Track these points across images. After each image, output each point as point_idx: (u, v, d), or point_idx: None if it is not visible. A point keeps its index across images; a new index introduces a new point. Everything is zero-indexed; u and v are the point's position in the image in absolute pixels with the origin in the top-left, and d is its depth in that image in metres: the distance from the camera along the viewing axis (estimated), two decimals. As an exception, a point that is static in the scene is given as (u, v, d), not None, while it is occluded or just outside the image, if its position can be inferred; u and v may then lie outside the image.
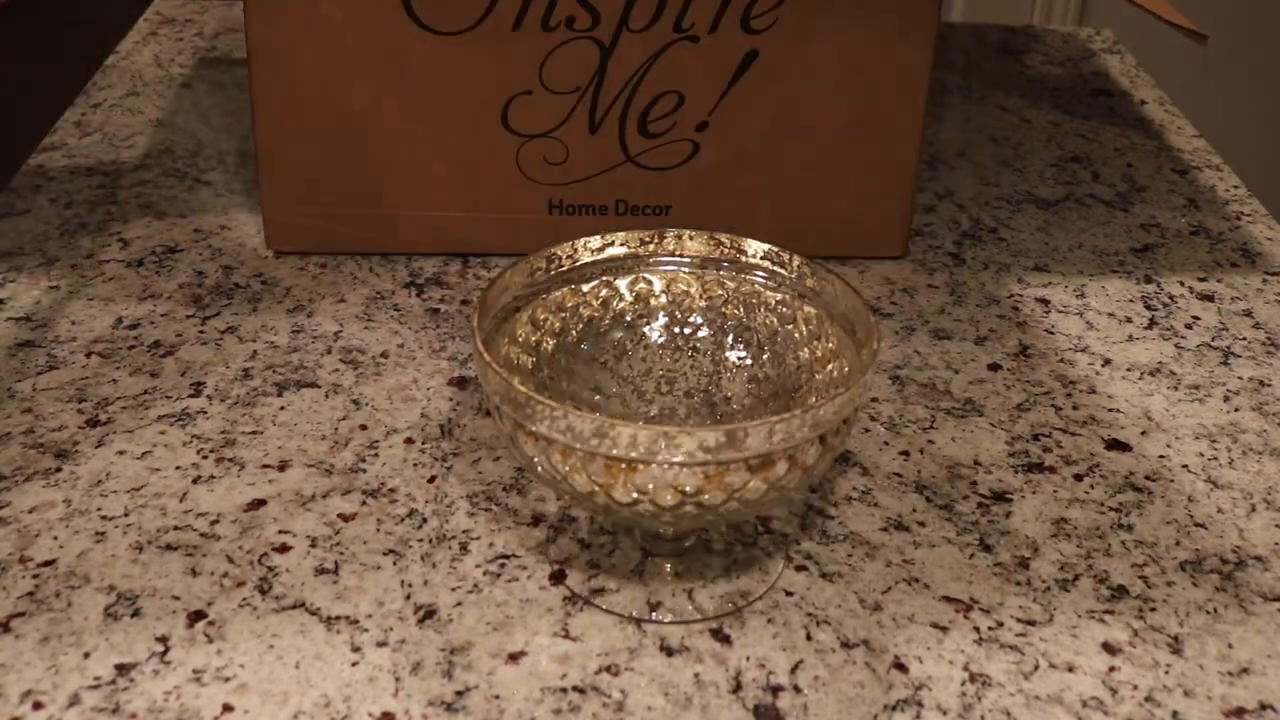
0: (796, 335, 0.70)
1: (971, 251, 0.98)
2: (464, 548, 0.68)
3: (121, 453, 0.74)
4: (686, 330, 0.73)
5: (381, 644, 0.62)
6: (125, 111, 1.13)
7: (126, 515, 0.69)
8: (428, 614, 0.64)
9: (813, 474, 0.62)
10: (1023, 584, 0.68)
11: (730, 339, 0.72)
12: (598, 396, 0.71)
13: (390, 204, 0.92)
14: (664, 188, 0.92)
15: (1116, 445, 0.78)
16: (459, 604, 0.65)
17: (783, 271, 0.71)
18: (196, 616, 0.63)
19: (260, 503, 0.70)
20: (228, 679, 0.59)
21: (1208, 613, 0.67)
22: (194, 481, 0.72)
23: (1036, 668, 0.63)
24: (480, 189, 0.91)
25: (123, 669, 0.60)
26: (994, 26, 1.39)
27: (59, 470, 0.72)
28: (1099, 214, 1.04)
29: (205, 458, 0.74)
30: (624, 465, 0.59)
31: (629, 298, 0.72)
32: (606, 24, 0.86)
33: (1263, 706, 0.62)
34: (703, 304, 0.72)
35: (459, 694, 0.60)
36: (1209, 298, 0.93)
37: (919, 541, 0.70)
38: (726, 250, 0.72)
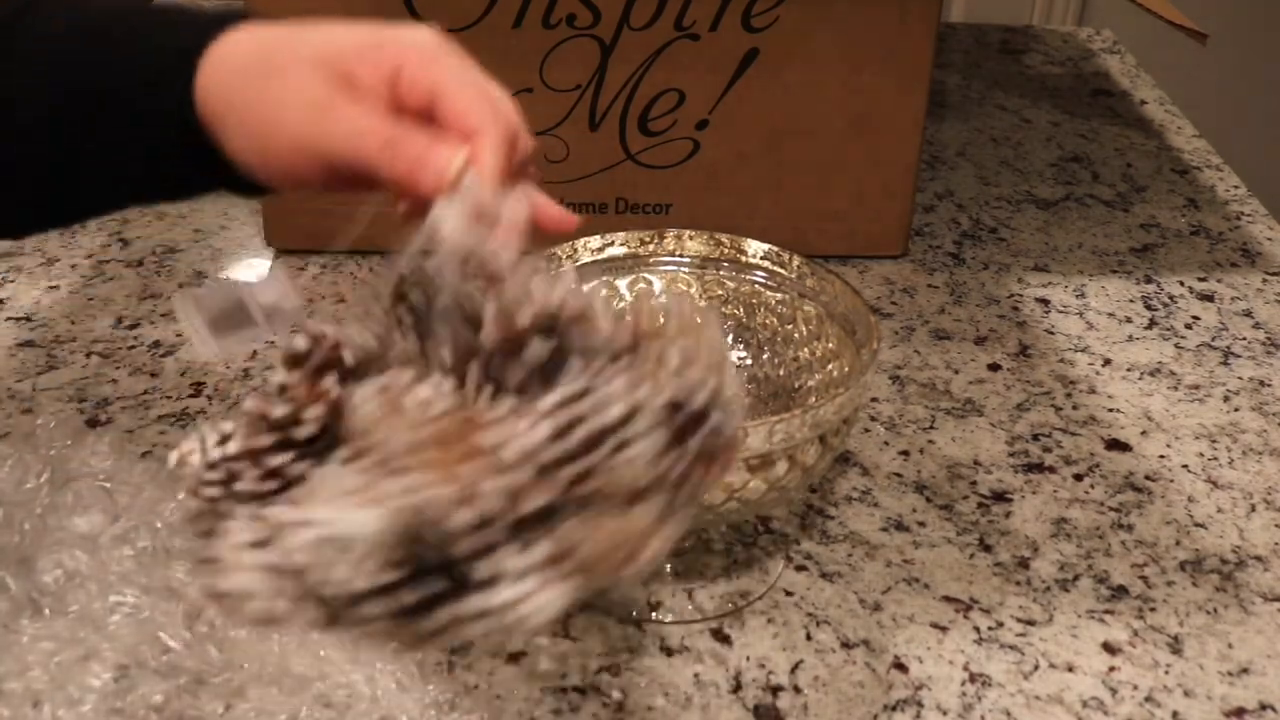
0: (796, 335, 0.70)
1: (971, 251, 0.98)
2: (464, 547, 0.68)
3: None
4: (686, 330, 0.72)
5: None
6: (125, 110, 1.13)
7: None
8: (427, 614, 0.64)
9: (813, 474, 0.62)
10: (1023, 584, 0.68)
11: (730, 339, 0.72)
12: (598, 396, 0.70)
13: (390, 201, 0.92)
14: (664, 186, 0.92)
15: (1116, 445, 0.78)
16: (459, 604, 0.65)
17: (783, 271, 0.71)
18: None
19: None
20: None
21: (1208, 613, 0.67)
22: (193, 481, 0.72)
23: (1036, 668, 0.63)
24: (480, 188, 0.91)
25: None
26: (994, 26, 1.39)
27: (58, 469, 0.72)
28: (1099, 214, 1.04)
29: (205, 457, 0.74)
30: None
31: (629, 298, 0.72)
32: (607, 22, 0.86)
33: (1263, 706, 0.62)
34: (703, 304, 0.72)
35: (459, 694, 0.60)
36: (1209, 298, 0.93)
37: (919, 541, 0.70)
38: (726, 250, 0.72)
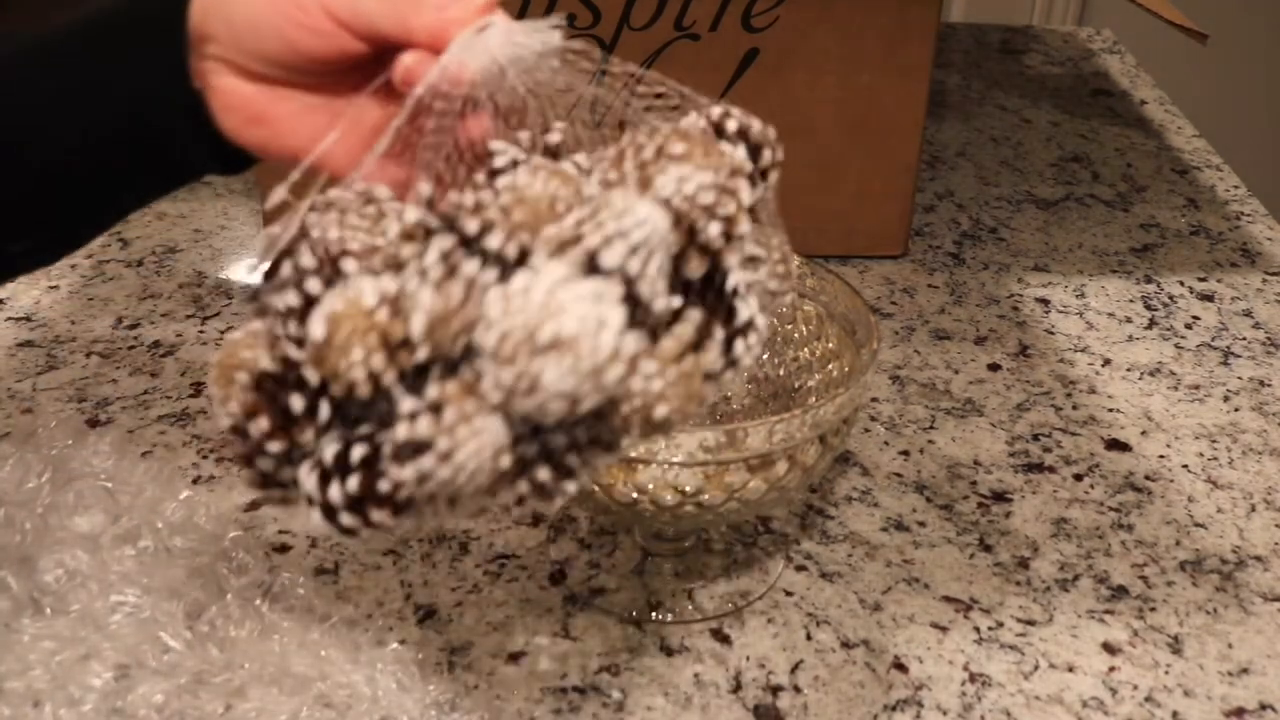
0: (796, 335, 0.70)
1: (971, 251, 0.98)
2: (464, 548, 0.68)
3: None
4: (687, 330, 0.72)
5: (381, 644, 0.62)
6: (125, 110, 1.13)
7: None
8: (428, 614, 0.64)
9: (813, 474, 0.62)
10: (1023, 584, 0.68)
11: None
12: (598, 396, 0.71)
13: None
14: (664, 187, 0.92)
15: (1116, 445, 0.78)
16: (459, 604, 0.65)
17: (783, 271, 0.71)
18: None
19: (256, 504, 0.70)
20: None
21: (1208, 613, 0.67)
22: (194, 482, 0.72)
23: (1036, 668, 0.63)
24: (480, 188, 0.91)
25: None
26: (994, 26, 1.39)
27: (59, 470, 0.72)
28: (1099, 214, 1.04)
29: (205, 458, 0.74)
30: (624, 465, 0.59)
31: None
32: (608, 22, 0.86)
33: (1263, 706, 0.62)
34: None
35: (459, 694, 0.60)
36: (1209, 298, 0.93)
37: (919, 541, 0.70)
38: (727, 250, 0.72)
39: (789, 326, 0.71)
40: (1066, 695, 0.62)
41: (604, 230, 0.41)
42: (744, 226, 0.44)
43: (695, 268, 0.43)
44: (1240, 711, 0.61)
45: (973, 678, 0.62)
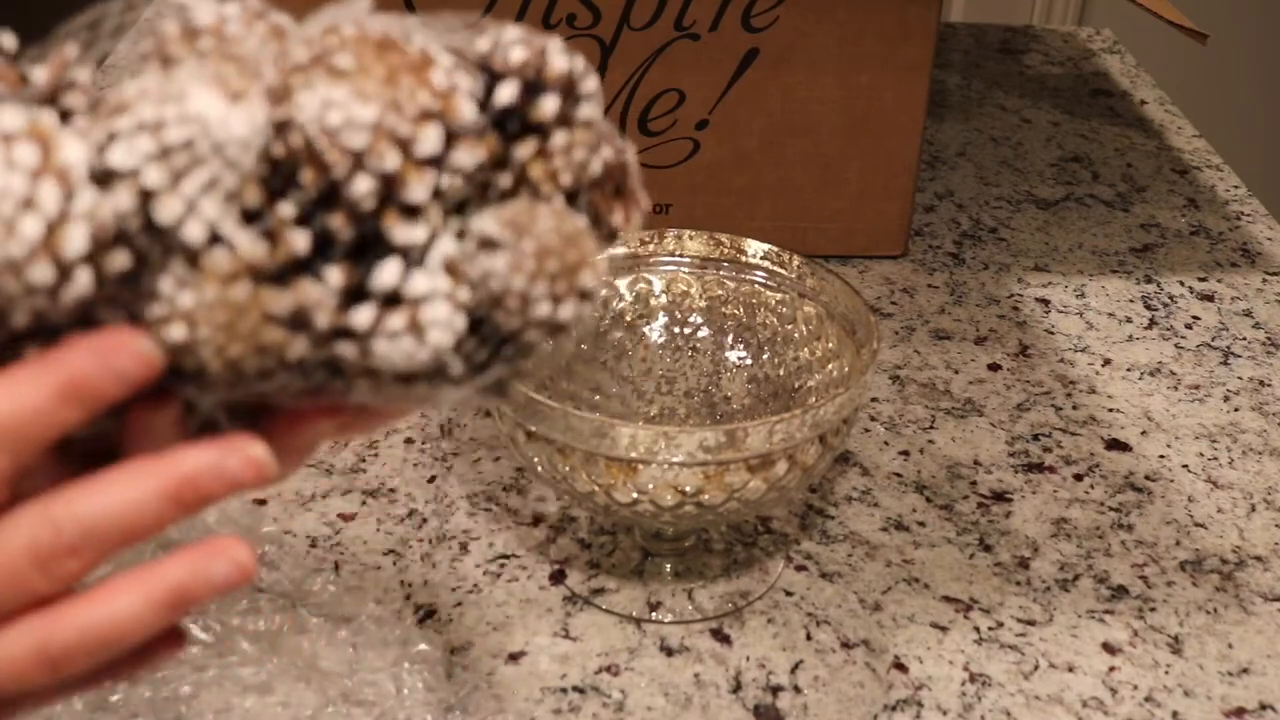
0: (796, 335, 0.70)
1: (971, 251, 0.98)
2: (464, 548, 0.68)
3: (121, 452, 0.74)
4: (686, 330, 0.73)
5: (382, 644, 0.62)
6: (125, 110, 1.13)
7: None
8: (428, 614, 0.64)
9: (813, 474, 0.62)
10: (1023, 584, 0.68)
11: (730, 339, 0.72)
12: (597, 396, 0.71)
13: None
14: (664, 186, 0.92)
15: (1116, 445, 0.78)
16: (459, 604, 0.65)
17: (783, 271, 0.71)
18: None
19: (260, 502, 0.70)
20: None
21: (1208, 613, 0.67)
22: (194, 481, 0.72)
23: (1036, 668, 0.63)
24: (480, 188, 0.91)
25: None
26: (994, 26, 1.39)
27: (59, 469, 0.72)
28: (1099, 214, 1.04)
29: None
30: (624, 465, 0.59)
31: (629, 298, 0.72)
32: (608, 21, 0.86)
33: (1263, 706, 0.62)
34: (703, 304, 0.72)
35: (459, 694, 0.60)
36: (1209, 298, 0.93)
37: (919, 541, 0.70)
38: (726, 250, 0.72)
39: (789, 326, 0.71)
40: (1066, 695, 0.62)
41: (138, 115, 0.32)
42: (417, 193, 0.33)
43: (339, 227, 0.33)
44: (1240, 711, 0.61)
45: (973, 678, 0.62)
